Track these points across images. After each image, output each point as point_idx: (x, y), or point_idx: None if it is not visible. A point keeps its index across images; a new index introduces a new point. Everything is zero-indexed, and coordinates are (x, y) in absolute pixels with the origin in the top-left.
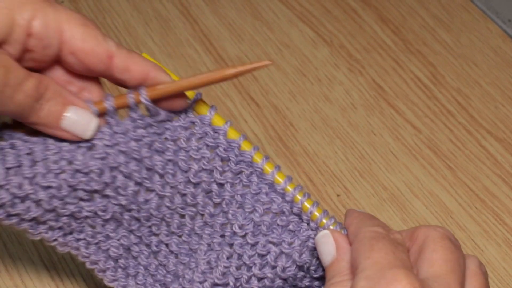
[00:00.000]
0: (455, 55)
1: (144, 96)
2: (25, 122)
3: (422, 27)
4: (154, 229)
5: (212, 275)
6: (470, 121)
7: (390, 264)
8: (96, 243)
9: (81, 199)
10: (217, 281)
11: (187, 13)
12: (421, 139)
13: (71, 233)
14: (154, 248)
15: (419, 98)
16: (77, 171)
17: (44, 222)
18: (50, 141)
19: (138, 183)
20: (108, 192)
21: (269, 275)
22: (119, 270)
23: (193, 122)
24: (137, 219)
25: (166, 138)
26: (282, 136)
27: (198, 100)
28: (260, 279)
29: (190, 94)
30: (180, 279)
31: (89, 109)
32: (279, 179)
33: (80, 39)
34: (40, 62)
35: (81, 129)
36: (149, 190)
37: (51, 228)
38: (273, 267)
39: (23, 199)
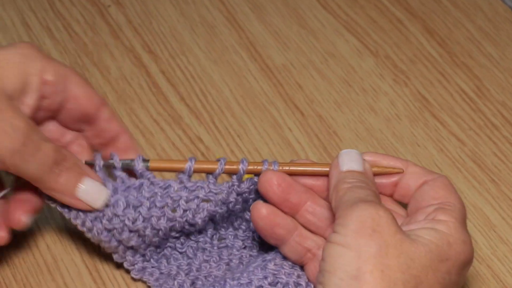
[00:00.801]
0: (500, 69)
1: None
2: (43, 187)
3: (468, 40)
4: (219, 273)
5: None
6: None
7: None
8: (168, 273)
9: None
10: None
11: (233, 20)
12: (465, 151)
13: (149, 260)
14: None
15: (463, 111)
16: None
17: (135, 249)
18: (172, 185)
19: (215, 229)
20: (194, 233)
21: None
22: None
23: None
24: (207, 261)
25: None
26: (326, 145)
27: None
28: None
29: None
30: None
31: (101, 180)
32: None
33: (81, 86)
34: (47, 111)
35: (94, 199)
36: (222, 238)
37: (136, 254)
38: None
39: (131, 230)
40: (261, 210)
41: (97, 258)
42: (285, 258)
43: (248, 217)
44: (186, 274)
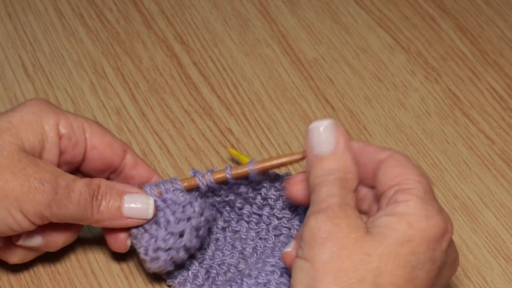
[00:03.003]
0: None
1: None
2: (90, 223)
3: (500, 38)
4: (232, 260)
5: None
6: None
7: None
8: (182, 264)
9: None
10: None
11: (266, 13)
12: (494, 150)
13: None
14: (230, 275)
15: (494, 109)
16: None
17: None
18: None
19: (226, 221)
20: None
21: None
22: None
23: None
24: (219, 250)
25: (259, 194)
26: None
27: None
28: None
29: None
30: None
31: (143, 192)
32: None
33: (100, 134)
34: (70, 165)
35: (143, 211)
36: (235, 230)
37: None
38: None
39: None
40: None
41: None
42: None
43: (256, 209)
44: (200, 263)
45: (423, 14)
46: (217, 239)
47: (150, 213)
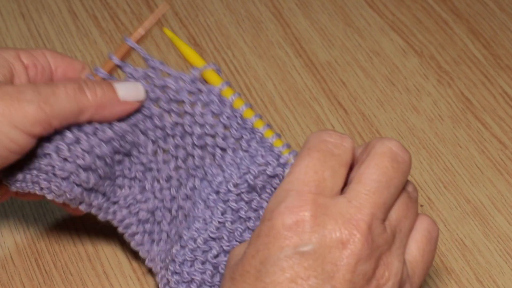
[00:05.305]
0: None
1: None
2: (92, 113)
3: None
4: (173, 191)
5: (206, 230)
6: None
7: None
8: (127, 207)
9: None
10: (211, 235)
11: (279, 16)
12: (506, 154)
13: (109, 199)
14: (174, 213)
15: (506, 113)
16: (118, 135)
17: (96, 191)
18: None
19: (154, 142)
20: (133, 152)
21: None
22: (146, 235)
23: (199, 90)
24: (158, 181)
25: (170, 99)
26: None
27: (210, 72)
28: (253, 231)
29: (197, 61)
30: (181, 239)
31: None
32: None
33: (60, 56)
34: None
35: (137, 92)
36: (165, 150)
37: (98, 196)
38: None
39: (85, 169)
40: None
41: None
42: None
43: (176, 118)
44: (139, 202)
45: (436, 17)
46: (151, 169)
47: (143, 93)
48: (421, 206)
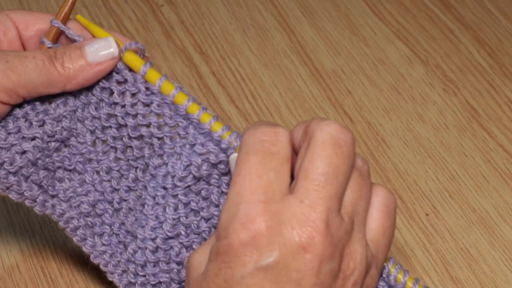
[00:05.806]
0: None
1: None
2: (64, 85)
3: None
4: (114, 183)
5: (163, 229)
6: None
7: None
8: (67, 200)
9: (54, 150)
10: (169, 234)
11: (285, 24)
12: None
13: (46, 191)
14: (116, 206)
15: None
16: (54, 119)
17: (26, 177)
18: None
19: (92, 132)
20: (72, 142)
21: (216, 213)
22: (88, 229)
23: (126, 79)
24: (98, 172)
25: (103, 88)
26: (374, 152)
27: (129, 54)
28: (208, 220)
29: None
30: (136, 239)
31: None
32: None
33: (27, 13)
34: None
35: (108, 50)
36: (104, 141)
37: (30, 184)
38: (217, 206)
39: (7, 149)
40: None
41: None
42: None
43: (109, 109)
44: (79, 195)
45: (441, 26)
46: (90, 160)
47: (116, 50)
48: (427, 215)
